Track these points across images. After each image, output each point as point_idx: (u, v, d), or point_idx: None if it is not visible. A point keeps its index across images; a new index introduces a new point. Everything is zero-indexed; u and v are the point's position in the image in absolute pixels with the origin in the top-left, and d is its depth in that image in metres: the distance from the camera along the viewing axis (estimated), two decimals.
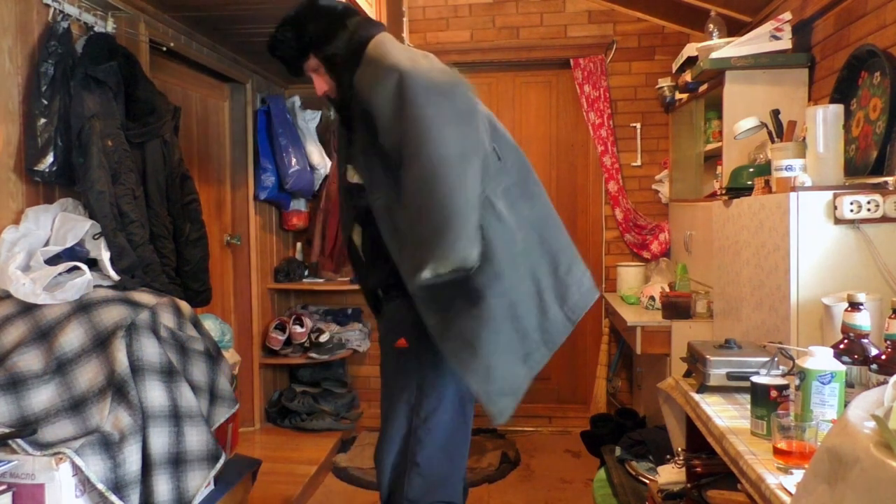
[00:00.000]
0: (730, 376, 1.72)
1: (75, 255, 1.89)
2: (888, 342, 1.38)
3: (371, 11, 2.99)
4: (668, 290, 3.02)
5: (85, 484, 1.56)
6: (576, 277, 1.73)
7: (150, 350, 1.74)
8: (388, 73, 1.53)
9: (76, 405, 1.65)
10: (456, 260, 1.41)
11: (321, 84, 1.79)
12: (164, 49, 2.54)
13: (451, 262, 1.41)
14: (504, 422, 1.60)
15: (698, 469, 1.81)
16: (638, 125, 3.83)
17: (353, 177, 1.81)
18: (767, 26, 2.62)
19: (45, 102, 1.91)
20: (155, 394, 1.71)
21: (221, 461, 1.83)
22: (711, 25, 3.06)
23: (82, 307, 1.76)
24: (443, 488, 1.79)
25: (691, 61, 3.16)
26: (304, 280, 3.82)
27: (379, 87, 1.55)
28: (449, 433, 1.79)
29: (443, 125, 1.46)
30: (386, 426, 1.81)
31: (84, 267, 1.82)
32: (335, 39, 1.72)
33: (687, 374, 1.93)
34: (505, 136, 1.73)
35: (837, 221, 1.79)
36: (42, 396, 1.63)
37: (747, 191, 2.31)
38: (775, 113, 2.33)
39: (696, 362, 1.84)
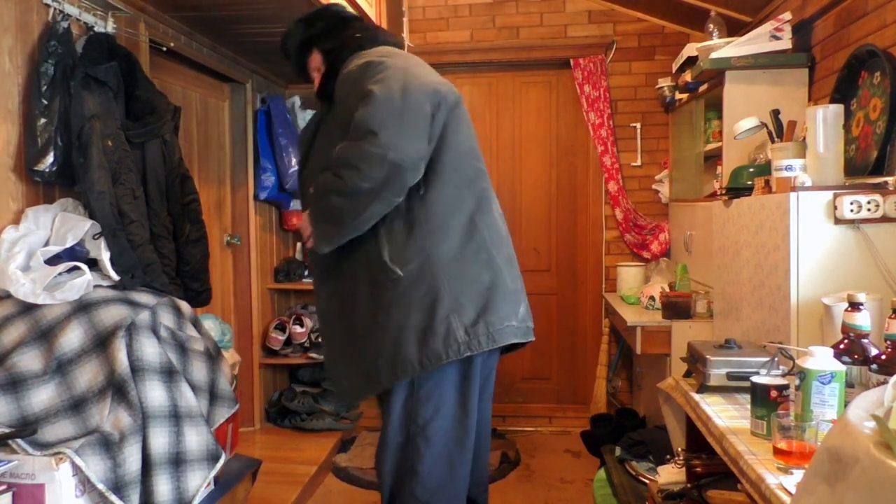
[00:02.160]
0: (730, 376, 1.72)
1: (75, 255, 1.88)
2: (888, 342, 1.38)
3: (371, 11, 2.99)
4: (668, 290, 3.02)
5: (85, 484, 1.56)
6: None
7: (150, 350, 1.74)
8: (371, 79, 1.63)
9: (76, 405, 1.65)
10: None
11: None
12: (164, 49, 2.54)
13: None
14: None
15: (698, 469, 1.81)
16: (638, 125, 3.83)
17: None
18: (767, 26, 2.62)
19: (45, 102, 1.91)
20: (155, 394, 1.71)
21: (221, 461, 1.83)
22: (711, 25, 3.06)
23: (82, 307, 1.76)
24: (444, 495, 1.77)
25: (691, 61, 3.16)
26: (304, 280, 3.81)
27: (357, 86, 1.67)
28: (448, 441, 1.75)
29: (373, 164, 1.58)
30: (385, 432, 1.78)
31: (84, 267, 1.82)
32: (338, 36, 1.86)
33: (687, 374, 1.93)
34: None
35: (837, 221, 1.79)
36: (42, 396, 1.63)
37: (747, 191, 2.31)
38: (775, 113, 2.33)
39: (696, 362, 1.84)
